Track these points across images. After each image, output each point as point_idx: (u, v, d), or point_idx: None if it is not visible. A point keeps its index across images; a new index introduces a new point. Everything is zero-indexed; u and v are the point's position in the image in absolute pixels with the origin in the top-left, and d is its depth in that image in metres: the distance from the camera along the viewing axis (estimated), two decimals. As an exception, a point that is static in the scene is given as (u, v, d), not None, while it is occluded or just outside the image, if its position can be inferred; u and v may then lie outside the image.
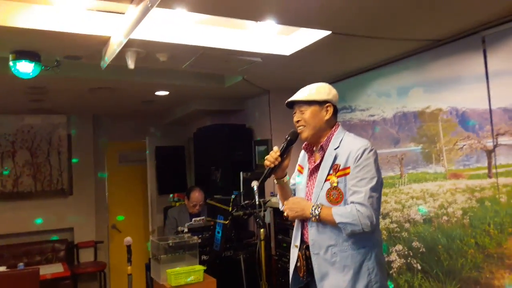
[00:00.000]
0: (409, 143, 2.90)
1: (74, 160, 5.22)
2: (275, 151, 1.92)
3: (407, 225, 2.89)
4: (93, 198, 5.34)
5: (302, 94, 1.90)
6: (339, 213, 1.74)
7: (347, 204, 1.77)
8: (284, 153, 1.93)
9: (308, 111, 1.87)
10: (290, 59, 2.85)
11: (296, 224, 1.96)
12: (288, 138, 1.92)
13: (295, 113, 1.92)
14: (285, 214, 1.91)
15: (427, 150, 2.76)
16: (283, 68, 3.20)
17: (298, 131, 1.91)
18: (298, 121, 1.90)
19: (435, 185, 2.68)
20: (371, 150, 1.79)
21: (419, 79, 2.79)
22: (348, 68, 3.36)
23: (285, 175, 2.01)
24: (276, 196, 3.70)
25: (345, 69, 3.37)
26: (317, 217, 1.79)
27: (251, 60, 2.88)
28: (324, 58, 2.97)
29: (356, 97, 3.36)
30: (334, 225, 1.76)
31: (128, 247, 2.96)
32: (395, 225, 2.98)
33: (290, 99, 1.92)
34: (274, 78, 3.63)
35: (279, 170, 1.95)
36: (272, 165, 1.91)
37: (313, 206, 1.80)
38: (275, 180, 2.02)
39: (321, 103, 1.87)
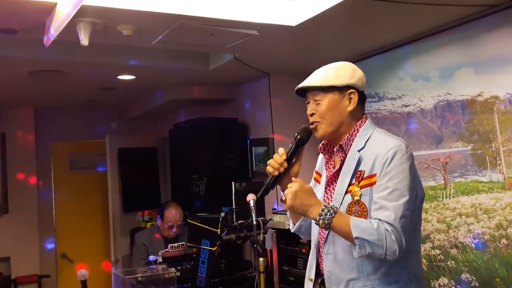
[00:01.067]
0: (455, 142, 2.91)
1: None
2: (281, 154, 1.90)
3: (454, 251, 2.90)
4: (35, 217, 5.32)
5: (316, 77, 1.88)
6: (361, 226, 1.69)
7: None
8: (293, 156, 1.91)
9: (324, 101, 1.85)
10: (296, 31, 2.86)
11: (312, 250, 1.96)
12: (298, 136, 1.90)
13: (308, 102, 1.91)
14: (283, 197, 1.84)
15: (480, 152, 2.77)
16: (288, 44, 3.22)
17: (312, 127, 1.90)
18: (312, 114, 1.89)
19: (491, 197, 2.70)
20: (405, 153, 1.77)
21: (468, 57, 2.80)
22: (373, 43, 3.37)
23: None
24: (280, 213, 3.75)
25: (369, 44, 3.39)
26: (326, 222, 1.72)
27: (245, 33, 2.88)
28: (341, 30, 2.98)
29: (384, 81, 3.39)
30: (348, 240, 1.72)
31: (83, 282, 2.95)
32: (438, 252, 2.99)
33: (300, 85, 1.91)
34: (276, 57, 3.64)
35: (285, 178, 1.92)
36: (277, 173, 1.88)
37: (325, 206, 1.74)
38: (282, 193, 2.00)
39: (341, 89, 1.85)
